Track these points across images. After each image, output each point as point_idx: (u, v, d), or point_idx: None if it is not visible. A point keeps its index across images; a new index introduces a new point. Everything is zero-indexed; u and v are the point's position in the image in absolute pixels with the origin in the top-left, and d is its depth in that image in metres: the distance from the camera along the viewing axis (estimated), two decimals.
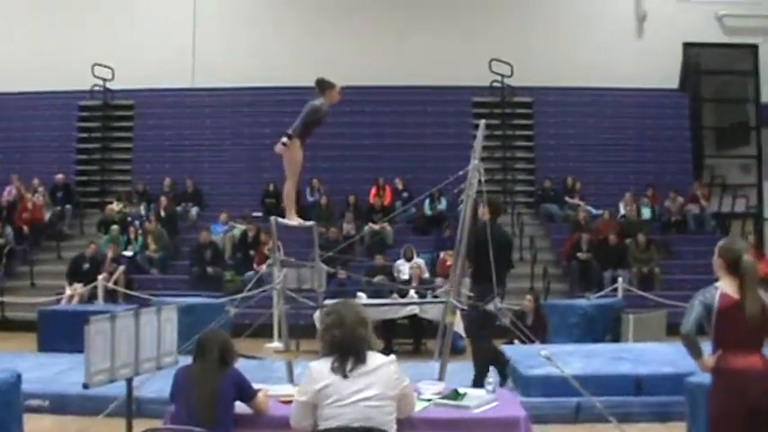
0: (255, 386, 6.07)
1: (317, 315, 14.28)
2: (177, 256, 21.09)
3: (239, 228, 21.07)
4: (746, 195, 24.30)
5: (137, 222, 21.30)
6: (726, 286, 6.21)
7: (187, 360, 6.16)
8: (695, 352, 6.24)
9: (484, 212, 10.16)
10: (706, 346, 6.24)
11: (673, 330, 15.82)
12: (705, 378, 6.67)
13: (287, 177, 10.47)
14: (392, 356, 5.24)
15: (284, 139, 9.86)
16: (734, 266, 6.23)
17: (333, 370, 5.02)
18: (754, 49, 25.73)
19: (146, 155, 24.12)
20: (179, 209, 22.44)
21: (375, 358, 5.13)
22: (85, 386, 6.15)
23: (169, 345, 6.87)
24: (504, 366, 10.67)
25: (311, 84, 23.41)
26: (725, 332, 6.13)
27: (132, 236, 20.78)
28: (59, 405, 10.31)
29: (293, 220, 10.40)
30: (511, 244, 10.75)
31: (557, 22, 24.72)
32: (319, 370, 5.09)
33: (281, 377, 9.56)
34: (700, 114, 25.60)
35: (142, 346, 6.53)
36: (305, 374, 5.25)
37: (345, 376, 5.00)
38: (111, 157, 24.53)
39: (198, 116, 24.35)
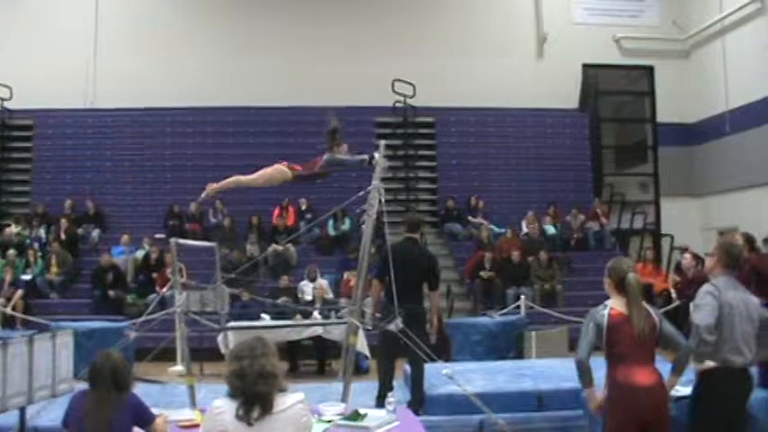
0: (155, 411, 5.97)
1: (220, 338, 14.24)
2: (78, 280, 20.66)
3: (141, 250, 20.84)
4: (645, 212, 24.75)
5: (36, 245, 20.84)
6: (615, 304, 6.48)
7: (85, 387, 6.04)
8: (586, 380, 6.51)
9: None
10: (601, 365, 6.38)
11: (575, 346, 16.06)
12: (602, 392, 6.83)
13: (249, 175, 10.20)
14: (300, 395, 5.04)
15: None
16: (620, 285, 6.45)
17: (237, 417, 4.81)
18: (650, 70, 26.36)
19: (45, 176, 23.60)
20: (80, 231, 22.02)
21: (282, 401, 4.93)
22: None
23: (65, 371, 6.74)
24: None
25: (213, 104, 23.51)
26: (616, 346, 6.35)
27: (32, 259, 20.33)
28: None
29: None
30: (430, 264, 10.68)
31: (459, 43, 24.92)
32: (222, 412, 4.88)
33: (185, 401, 9.43)
34: (599, 134, 26.04)
35: (36, 373, 6.37)
36: (209, 412, 5.06)
37: (250, 424, 4.80)
38: (9, 178, 23.95)
39: (99, 136, 23.97)
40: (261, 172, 10.35)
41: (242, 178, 10.24)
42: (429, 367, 9.94)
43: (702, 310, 6.60)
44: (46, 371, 6.48)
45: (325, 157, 10.26)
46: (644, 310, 6.42)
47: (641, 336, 6.29)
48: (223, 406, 4.90)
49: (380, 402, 9.16)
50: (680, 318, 14.23)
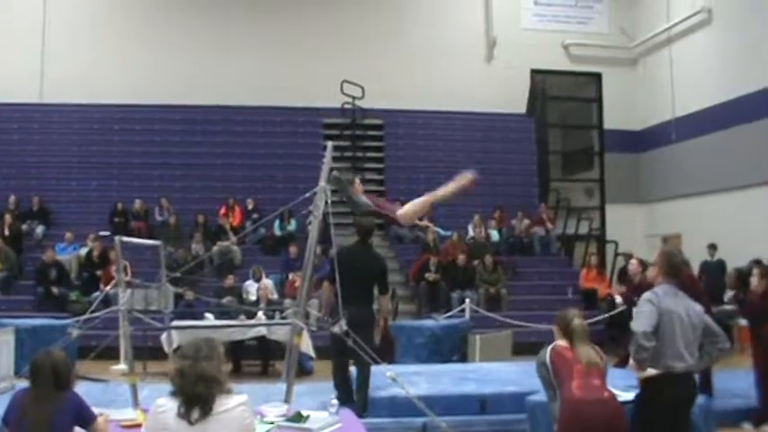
0: (96, 410, 5.93)
1: (164, 337, 14.15)
2: (21, 276, 20.40)
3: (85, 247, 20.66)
4: (590, 218, 24.97)
5: None
6: (560, 342, 6.84)
7: (26, 384, 5.98)
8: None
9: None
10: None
11: (518, 350, 16.21)
12: (544, 397, 6.98)
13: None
14: (244, 396, 5.05)
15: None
16: (566, 329, 6.78)
17: (179, 415, 4.83)
18: (597, 77, 26.64)
19: None
20: (24, 227, 21.77)
21: (225, 402, 4.93)
22: None
23: (5, 369, 6.69)
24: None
25: (163, 102, 23.35)
26: (563, 371, 6.57)
27: None
28: None
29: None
30: (379, 267, 10.78)
31: (408, 45, 24.98)
32: (164, 411, 4.89)
33: (127, 400, 9.37)
34: (546, 139, 26.26)
35: None
36: (152, 410, 5.06)
37: (191, 423, 4.81)
38: None
39: (45, 132, 23.72)
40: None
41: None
42: (373, 370, 9.96)
43: (640, 318, 6.72)
44: None
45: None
46: (589, 345, 6.74)
47: (589, 365, 6.53)
48: (165, 405, 4.91)
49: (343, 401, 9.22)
50: (625, 323, 14.32)
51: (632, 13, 26.92)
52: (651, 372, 6.72)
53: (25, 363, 6.96)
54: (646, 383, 6.86)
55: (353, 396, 10.22)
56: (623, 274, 18.93)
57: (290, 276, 18.84)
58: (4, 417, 5.79)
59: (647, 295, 6.87)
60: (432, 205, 10.92)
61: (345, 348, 9.50)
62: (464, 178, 10.50)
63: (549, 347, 6.80)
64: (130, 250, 12.16)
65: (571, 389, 6.54)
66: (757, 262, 13.21)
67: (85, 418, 5.77)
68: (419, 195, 22.30)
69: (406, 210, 10.65)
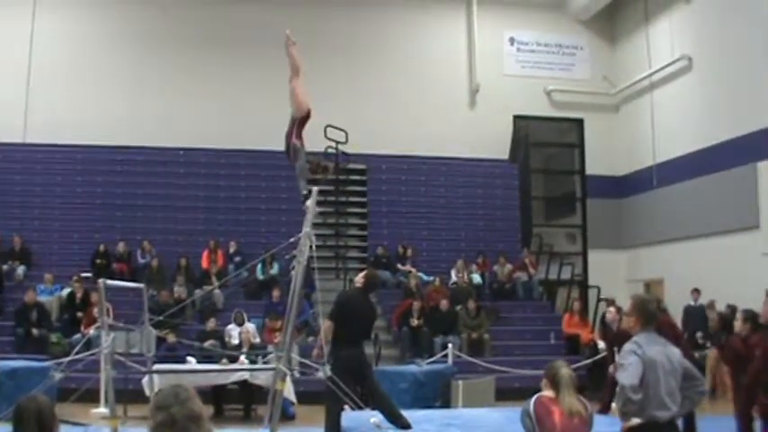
0: None
1: (145, 380, 14.08)
2: (1, 317, 20.24)
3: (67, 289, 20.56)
4: (572, 263, 25.04)
5: None
6: (545, 393, 6.84)
7: (7, 429, 5.94)
8: None
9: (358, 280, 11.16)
10: None
11: (501, 395, 16.19)
12: None
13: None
14: None
15: None
16: (553, 379, 6.81)
17: None
18: (579, 122, 26.82)
19: None
20: (5, 267, 21.65)
21: None
22: None
23: None
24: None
25: (147, 144, 23.40)
26: (546, 422, 6.54)
27: None
28: None
29: None
30: (375, 315, 11.22)
31: (392, 91, 25.10)
32: None
33: None
34: (528, 184, 26.29)
35: None
36: None
37: None
38: None
39: (29, 172, 23.63)
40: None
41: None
42: (357, 415, 9.96)
43: (626, 370, 6.71)
44: None
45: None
46: (574, 395, 6.77)
47: (571, 412, 6.59)
48: None
49: None
50: (606, 369, 14.36)
51: (614, 60, 27.19)
52: (636, 421, 6.72)
53: (5, 405, 6.90)
54: None
55: None
56: (604, 321, 18.97)
57: (266, 322, 18.70)
58: None
59: (629, 347, 6.87)
60: (298, 75, 10.97)
61: (341, 394, 9.57)
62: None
63: (534, 398, 6.81)
64: (113, 292, 12.13)
65: None
66: (732, 307, 13.29)
67: None
68: (402, 240, 22.42)
69: (295, 106, 11.64)
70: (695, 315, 19.90)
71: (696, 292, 20.48)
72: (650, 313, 7.09)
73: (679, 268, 22.49)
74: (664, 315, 8.19)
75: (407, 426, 10.30)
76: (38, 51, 24.21)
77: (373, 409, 11.01)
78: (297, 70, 10.68)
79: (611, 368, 12.72)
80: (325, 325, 10.64)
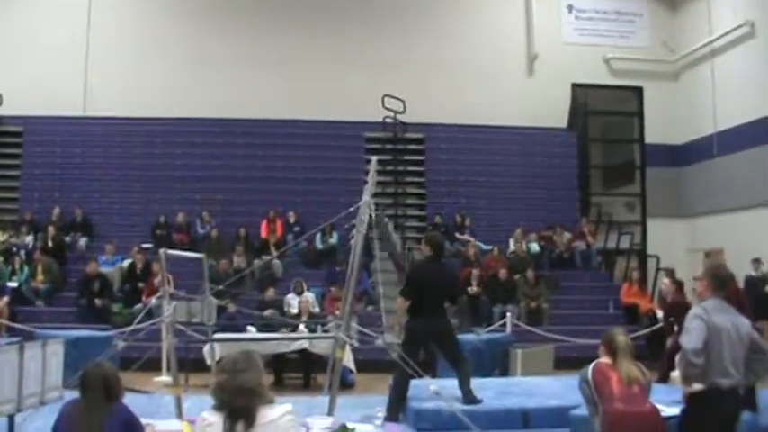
0: (143, 421, 5.98)
1: (206, 349, 14.22)
2: (64, 288, 20.52)
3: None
4: (631, 232, 24.81)
5: (22, 252, 20.76)
6: (602, 359, 6.96)
7: (73, 395, 6.03)
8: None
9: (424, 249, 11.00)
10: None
11: (559, 364, 16.16)
12: (587, 411, 7.00)
13: None
14: (288, 406, 5.05)
15: None
16: (609, 346, 6.90)
17: (225, 430, 4.84)
18: (639, 91, 26.53)
19: (34, 183, 23.50)
20: (67, 239, 21.96)
21: (268, 413, 4.94)
22: None
23: (54, 379, 6.73)
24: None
25: (206, 116, 23.46)
26: (604, 387, 6.59)
27: (17, 266, 20.23)
28: None
29: None
30: (453, 279, 11.13)
31: (449, 60, 24.99)
32: (210, 425, 4.91)
33: (171, 412, 9.43)
34: (587, 153, 26.14)
35: (26, 380, 6.36)
36: (197, 424, 5.09)
37: None
38: None
39: (89, 145, 23.90)
40: None
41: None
42: (416, 382, 9.99)
43: (690, 334, 6.67)
44: (36, 379, 6.46)
45: None
46: (632, 362, 6.83)
47: (629, 379, 6.58)
48: (210, 418, 4.93)
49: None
50: (664, 338, 14.26)
51: (674, 26, 26.81)
52: (697, 387, 6.69)
53: (69, 373, 6.99)
54: (691, 399, 6.82)
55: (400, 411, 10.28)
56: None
57: (332, 291, 18.73)
58: (55, 427, 5.84)
59: (696, 311, 6.82)
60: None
61: (418, 361, 9.68)
62: None
63: (592, 365, 6.82)
64: (173, 262, 12.23)
65: (612, 402, 6.57)
66: None
67: (134, 428, 5.82)
68: (460, 209, 22.36)
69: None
70: (756, 285, 19.68)
71: (756, 261, 20.25)
72: (721, 279, 7.03)
73: (739, 238, 22.21)
74: (732, 282, 8.10)
75: (474, 401, 10.30)
76: (96, 23, 24.44)
77: (433, 377, 11.05)
78: None
79: (668, 339, 12.68)
80: (398, 303, 10.71)
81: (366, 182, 10.24)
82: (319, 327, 16.46)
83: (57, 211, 22.39)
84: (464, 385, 10.44)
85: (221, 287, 12.66)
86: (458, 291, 11.23)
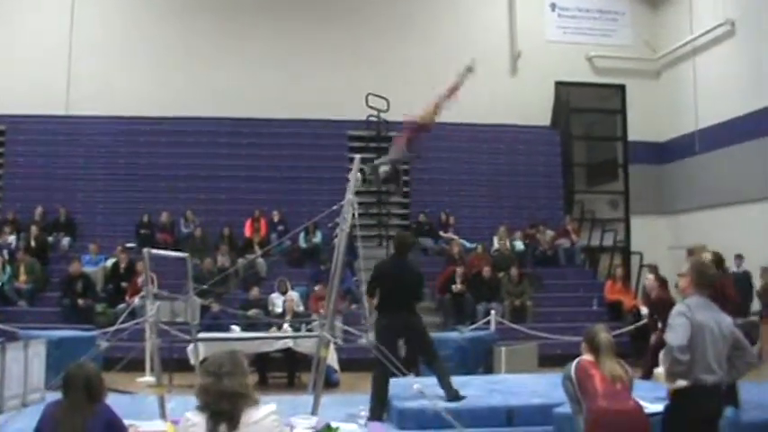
0: (126, 422, 5.97)
1: (190, 349, 14.20)
2: (47, 288, 20.42)
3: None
4: (615, 230, 24.88)
5: (5, 252, 20.66)
6: (585, 357, 6.98)
7: (56, 396, 6.02)
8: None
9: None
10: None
11: (543, 362, 16.20)
12: (570, 409, 7.04)
13: None
14: (272, 406, 5.07)
15: None
16: (591, 343, 6.93)
17: (208, 431, 4.87)
18: (621, 89, 26.71)
19: (16, 182, 23.40)
20: (50, 239, 21.87)
21: (253, 414, 4.96)
22: None
23: (36, 381, 6.72)
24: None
25: (189, 114, 23.45)
26: (588, 384, 6.58)
27: None
28: None
29: None
30: (418, 278, 11.08)
31: (432, 58, 24.89)
32: (193, 426, 4.92)
33: (154, 412, 9.41)
34: (570, 151, 26.24)
35: (7, 382, 6.34)
36: (181, 425, 5.10)
37: None
38: None
39: (72, 144, 23.83)
40: None
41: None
42: (399, 381, 9.99)
43: (675, 331, 6.68)
44: (17, 380, 6.44)
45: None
46: (615, 360, 6.87)
47: (612, 376, 6.61)
48: (194, 419, 4.94)
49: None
50: (648, 335, 14.31)
51: (656, 25, 26.96)
52: (681, 383, 6.71)
53: (51, 374, 6.98)
54: (675, 396, 6.84)
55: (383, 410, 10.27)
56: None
57: (315, 290, 18.67)
58: (37, 428, 5.84)
59: (679, 308, 6.84)
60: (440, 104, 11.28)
61: (399, 359, 9.69)
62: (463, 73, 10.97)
63: (575, 362, 6.84)
64: (157, 262, 12.18)
65: (596, 400, 6.59)
66: None
67: (117, 429, 5.82)
68: (444, 207, 22.41)
69: (423, 114, 12.31)
70: (739, 281, 19.73)
71: (739, 258, 20.34)
72: (705, 277, 7.05)
73: (721, 234, 22.25)
74: (724, 277, 8.12)
75: (456, 398, 10.30)
76: (79, 20, 24.39)
77: (416, 375, 11.05)
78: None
79: (652, 336, 12.71)
80: (366, 299, 10.78)
81: (349, 180, 10.25)
82: (303, 326, 16.46)
83: (39, 210, 22.26)
84: (443, 382, 10.44)
85: (205, 287, 12.62)
86: (422, 288, 11.19)
